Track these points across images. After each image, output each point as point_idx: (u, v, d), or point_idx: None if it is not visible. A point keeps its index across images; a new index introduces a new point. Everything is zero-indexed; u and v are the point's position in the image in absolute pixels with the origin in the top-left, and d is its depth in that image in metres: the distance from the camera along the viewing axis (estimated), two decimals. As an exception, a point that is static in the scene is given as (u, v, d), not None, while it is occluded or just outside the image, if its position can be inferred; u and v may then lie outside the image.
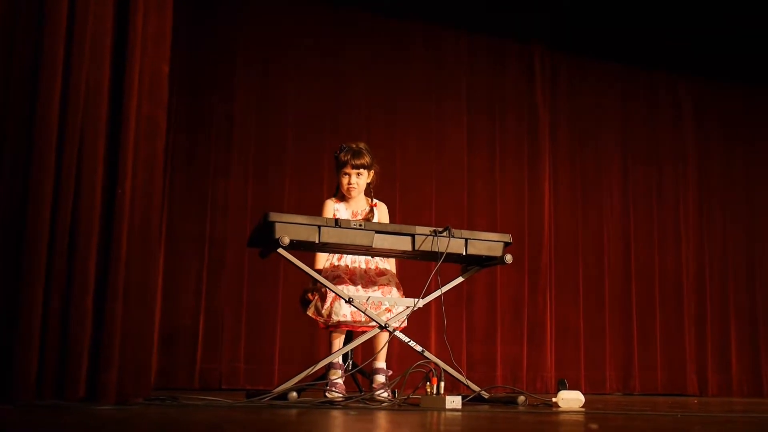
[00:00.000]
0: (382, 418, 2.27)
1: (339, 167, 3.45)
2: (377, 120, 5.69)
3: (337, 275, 3.25)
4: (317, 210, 3.50)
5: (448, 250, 3.09)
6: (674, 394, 6.05)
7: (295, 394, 2.80)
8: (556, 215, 6.12)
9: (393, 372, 3.36)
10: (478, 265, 3.30)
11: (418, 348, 3.11)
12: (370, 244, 3.03)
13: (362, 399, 2.90)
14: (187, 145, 5.16)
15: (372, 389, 3.17)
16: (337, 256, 3.35)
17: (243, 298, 5.11)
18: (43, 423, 1.79)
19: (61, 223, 2.28)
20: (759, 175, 6.77)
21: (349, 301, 3.06)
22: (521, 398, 3.01)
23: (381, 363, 3.26)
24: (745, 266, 6.60)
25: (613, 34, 6.26)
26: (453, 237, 3.10)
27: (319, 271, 3.29)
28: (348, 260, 3.35)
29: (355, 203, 3.49)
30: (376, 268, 3.37)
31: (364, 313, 3.09)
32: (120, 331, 2.31)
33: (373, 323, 3.11)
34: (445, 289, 3.18)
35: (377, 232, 3.05)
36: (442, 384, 2.73)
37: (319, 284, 3.16)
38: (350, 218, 3.41)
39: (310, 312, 3.26)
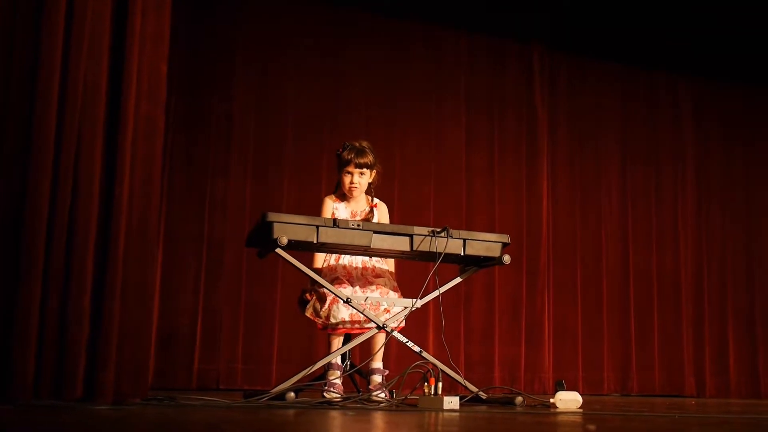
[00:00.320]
0: (379, 419, 2.27)
1: (341, 166, 3.43)
2: (376, 120, 5.69)
3: (335, 277, 3.25)
4: (316, 210, 3.49)
5: (447, 251, 3.09)
6: (672, 395, 6.04)
7: (292, 394, 2.80)
8: (554, 215, 6.12)
9: (391, 372, 3.36)
10: (476, 265, 3.30)
11: (416, 348, 3.11)
12: (368, 245, 3.02)
13: (360, 399, 2.90)
14: (185, 145, 5.16)
15: (369, 390, 3.17)
16: (335, 255, 3.34)
17: (241, 298, 5.11)
18: (41, 423, 1.79)
19: (58, 222, 2.28)
20: (758, 176, 6.77)
21: (348, 302, 3.06)
22: (519, 399, 3.01)
23: (378, 363, 3.26)
24: (743, 267, 6.59)
25: (612, 34, 6.26)
26: (451, 237, 3.10)
27: (317, 270, 3.29)
28: (346, 260, 3.34)
29: (355, 203, 3.48)
30: (374, 268, 3.37)
31: (362, 313, 3.08)
32: (118, 330, 2.31)
33: (372, 325, 3.11)
34: (443, 289, 3.18)
35: (375, 232, 3.05)
36: (440, 384, 2.73)
37: (317, 285, 3.16)
38: (349, 218, 3.40)
39: (308, 313, 3.26)
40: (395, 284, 3.36)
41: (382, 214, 3.50)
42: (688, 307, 6.35)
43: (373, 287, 3.25)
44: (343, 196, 3.48)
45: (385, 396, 3.06)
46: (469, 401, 3.03)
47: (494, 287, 5.79)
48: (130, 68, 2.43)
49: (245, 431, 1.77)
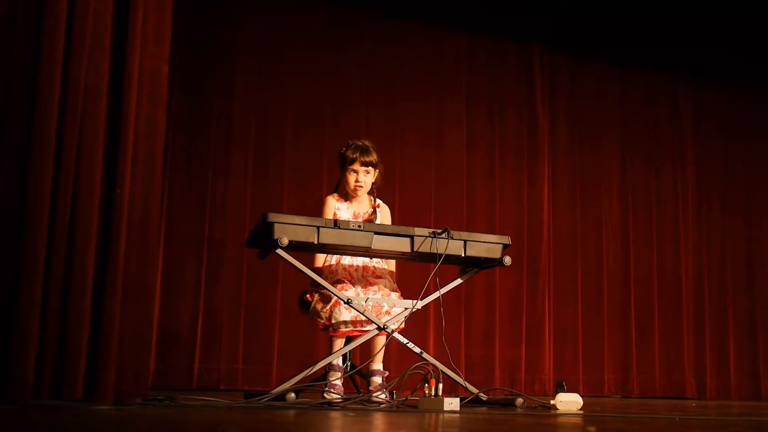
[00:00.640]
0: (380, 420, 2.27)
1: (346, 165, 3.39)
2: (376, 120, 5.68)
3: (337, 279, 3.24)
4: (317, 210, 3.48)
5: (447, 252, 3.08)
6: (672, 397, 6.04)
7: (293, 395, 2.80)
8: (555, 217, 6.12)
9: (391, 373, 3.36)
10: (477, 266, 3.29)
11: (417, 349, 3.11)
12: (369, 245, 3.02)
13: (360, 400, 2.89)
14: (186, 145, 5.16)
15: (369, 391, 3.17)
16: (336, 256, 3.34)
17: (242, 299, 5.10)
18: (41, 423, 1.78)
19: (59, 222, 2.27)
20: (759, 176, 6.77)
21: (348, 303, 3.06)
22: (519, 400, 3.00)
23: (378, 364, 3.25)
24: (744, 268, 6.59)
25: (612, 34, 6.26)
26: (452, 238, 3.10)
27: (318, 270, 3.29)
28: (346, 261, 3.34)
29: (357, 203, 3.46)
30: (374, 269, 3.36)
31: (362, 314, 3.08)
32: (118, 330, 2.31)
33: (372, 326, 3.10)
34: (443, 290, 3.18)
35: (376, 233, 3.04)
36: (440, 386, 2.73)
37: (318, 285, 3.15)
38: (351, 218, 3.39)
39: (310, 315, 3.25)
40: (395, 285, 3.36)
41: (384, 215, 3.48)
42: (688, 309, 6.35)
43: (375, 288, 3.25)
44: (346, 195, 3.46)
45: (386, 397, 3.06)
46: (469, 402, 3.03)
47: (495, 288, 5.79)
48: (132, 68, 2.43)
49: (246, 432, 1.77)
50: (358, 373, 3.28)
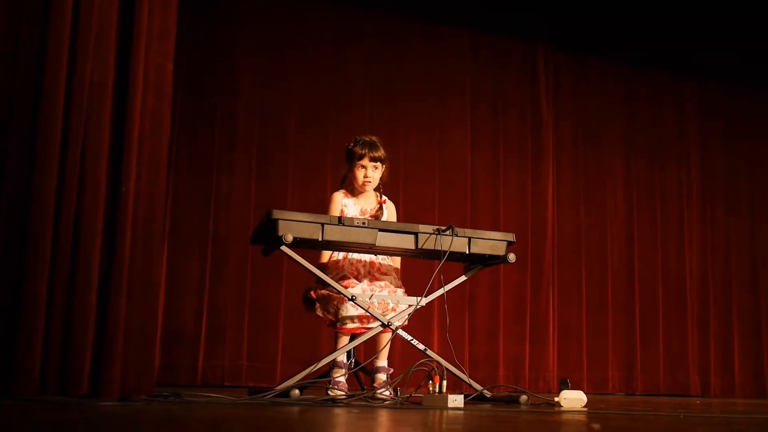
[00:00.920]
0: (384, 417, 2.27)
1: (354, 160, 3.39)
2: (380, 118, 5.68)
3: (343, 275, 3.24)
4: (321, 207, 3.49)
5: (451, 249, 3.09)
6: (677, 395, 6.04)
7: (297, 391, 2.80)
8: (559, 214, 6.12)
9: (395, 370, 3.36)
10: (481, 263, 3.30)
11: (421, 346, 3.11)
12: (373, 242, 3.03)
13: (364, 397, 2.90)
14: (190, 143, 5.17)
15: (373, 388, 3.17)
16: (342, 252, 3.34)
17: (246, 296, 5.11)
18: (46, 419, 1.79)
19: (65, 218, 2.28)
20: (762, 176, 6.75)
21: (353, 299, 3.06)
22: (523, 397, 3.00)
23: (383, 361, 3.26)
24: (748, 266, 6.58)
25: (616, 33, 6.26)
26: (456, 236, 3.10)
27: (323, 265, 3.29)
28: (354, 255, 3.33)
29: (364, 199, 3.46)
30: (380, 265, 3.36)
31: (366, 310, 3.09)
32: (123, 327, 2.31)
33: (377, 322, 3.11)
34: (448, 287, 3.18)
35: (380, 230, 3.05)
36: (445, 383, 2.73)
37: (324, 281, 3.15)
38: (358, 215, 3.39)
39: (318, 311, 3.25)
40: (400, 282, 3.36)
41: (390, 212, 3.48)
42: (692, 307, 6.34)
43: (382, 284, 3.25)
44: (352, 191, 3.47)
45: (390, 394, 3.06)
46: (473, 399, 3.03)
47: (499, 286, 5.79)
48: (137, 65, 2.43)
49: (250, 428, 1.78)
50: (362, 370, 3.29)
